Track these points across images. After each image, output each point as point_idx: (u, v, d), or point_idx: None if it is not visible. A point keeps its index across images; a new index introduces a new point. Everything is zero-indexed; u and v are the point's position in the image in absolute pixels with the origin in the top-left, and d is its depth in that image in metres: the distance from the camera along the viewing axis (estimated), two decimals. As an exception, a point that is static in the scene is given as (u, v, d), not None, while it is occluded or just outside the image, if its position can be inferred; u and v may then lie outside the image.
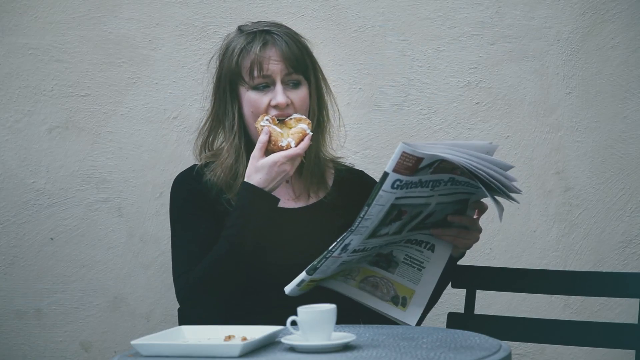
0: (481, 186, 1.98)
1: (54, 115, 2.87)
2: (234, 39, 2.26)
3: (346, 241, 1.99)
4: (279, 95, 2.19)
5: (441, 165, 1.95)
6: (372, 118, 2.88)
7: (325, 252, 2.00)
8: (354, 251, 2.03)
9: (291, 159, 2.10)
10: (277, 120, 2.17)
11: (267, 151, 2.14)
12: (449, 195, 2.04)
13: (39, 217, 2.87)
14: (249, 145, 2.24)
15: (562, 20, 2.86)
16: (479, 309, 2.81)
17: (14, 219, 2.87)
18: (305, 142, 2.12)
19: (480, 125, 2.87)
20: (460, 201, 2.10)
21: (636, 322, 2.24)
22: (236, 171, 2.24)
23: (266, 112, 2.20)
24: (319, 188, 2.31)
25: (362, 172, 2.42)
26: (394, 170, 1.90)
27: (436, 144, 1.93)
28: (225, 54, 2.26)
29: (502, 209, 2.00)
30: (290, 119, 2.16)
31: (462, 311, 2.44)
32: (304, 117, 2.17)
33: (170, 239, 2.30)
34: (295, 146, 2.12)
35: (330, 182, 2.34)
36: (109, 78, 2.87)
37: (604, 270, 2.83)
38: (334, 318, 1.83)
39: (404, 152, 1.88)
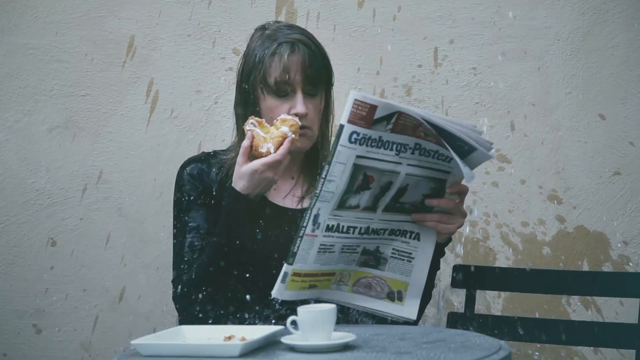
0: (449, 149, 1.95)
1: (54, 115, 2.87)
2: (259, 42, 2.27)
3: (314, 211, 1.95)
4: (299, 105, 2.22)
5: (401, 122, 1.94)
6: (372, 118, 2.88)
7: (298, 231, 1.97)
8: (328, 229, 2.01)
9: (271, 165, 2.07)
10: (265, 122, 2.15)
11: (251, 156, 2.12)
12: (420, 168, 2.01)
13: (39, 217, 2.87)
14: None
15: (562, 20, 2.86)
16: (479, 309, 2.81)
17: (14, 219, 2.87)
18: (285, 146, 2.08)
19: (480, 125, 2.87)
20: (436, 180, 2.07)
21: (636, 322, 2.24)
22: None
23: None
24: None
25: None
26: (349, 121, 1.89)
27: (392, 101, 1.94)
28: (249, 58, 2.27)
29: (472, 176, 1.97)
30: (276, 119, 2.12)
31: (462, 311, 2.44)
32: (289, 117, 2.13)
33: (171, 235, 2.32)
34: (275, 151, 2.08)
35: None
36: (109, 78, 2.87)
37: (604, 270, 2.83)
38: (334, 318, 1.83)
39: (355, 99, 1.88)
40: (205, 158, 2.32)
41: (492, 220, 2.87)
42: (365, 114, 1.90)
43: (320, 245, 2.01)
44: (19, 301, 2.87)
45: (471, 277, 2.43)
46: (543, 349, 2.84)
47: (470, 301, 2.42)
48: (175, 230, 2.27)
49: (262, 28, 2.29)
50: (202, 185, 2.26)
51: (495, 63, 2.87)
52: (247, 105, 2.27)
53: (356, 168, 1.95)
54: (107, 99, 2.88)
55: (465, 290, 2.45)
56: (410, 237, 2.12)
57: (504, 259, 2.86)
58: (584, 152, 2.86)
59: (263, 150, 2.08)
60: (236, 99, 2.31)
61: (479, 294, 2.82)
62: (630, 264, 2.85)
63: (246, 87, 2.26)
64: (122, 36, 2.87)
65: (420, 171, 2.03)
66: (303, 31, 2.29)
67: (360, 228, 2.05)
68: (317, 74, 2.24)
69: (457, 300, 2.85)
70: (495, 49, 2.87)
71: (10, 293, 2.87)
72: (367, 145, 1.94)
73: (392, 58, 2.88)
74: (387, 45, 2.87)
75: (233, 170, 2.26)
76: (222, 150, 2.34)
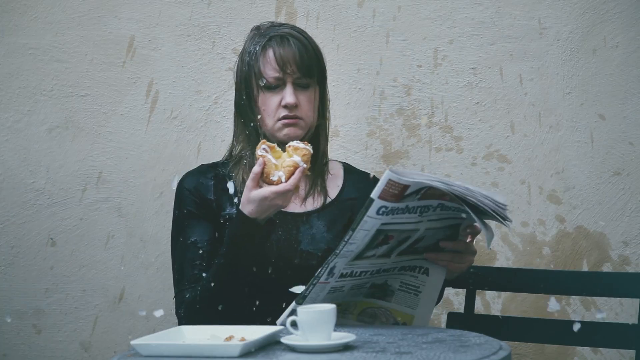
0: (470, 211, 1.97)
1: (53, 115, 2.87)
2: (251, 41, 2.31)
3: (331, 264, 1.98)
4: (288, 95, 2.24)
5: (429, 192, 1.95)
6: (372, 118, 2.88)
7: (312, 279, 1.99)
8: (342, 276, 2.03)
9: (281, 194, 2.06)
10: (277, 147, 2.12)
11: (261, 180, 2.11)
12: (439, 220, 2.03)
13: (39, 217, 2.87)
14: (264, 138, 2.29)
15: (562, 20, 2.86)
16: (479, 309, 2.81)
17: (14, 219, 2.87)
18: (296, 176, 2.06)
19: (480, 125, 2.87)
20: (451, 226, 2.09)
21: (636, 322, 2.24)
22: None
23: (277, 110, 2.25)
24: (328, 188, 2.34)
25: (370, 174, 2.45)
26: (380, 197, 1.90)
27: (424, 174, 1.93)
28: (243, 56, 2.31)
29: (492, 235, 2.00)
30: (289, 146, 2.10)
31: (462, 311, 2.44)
32: (302, 145, 2.10)
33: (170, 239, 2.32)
34: (286, 180, 2.07)
35: (340, 181, 2.36)
36: (109, 78, 2.87)
37: (604, 270, 2.83)
38: (334, 318, 1.83)
39: (390, 179, 1.88)
40: (203, 170, 2.33)
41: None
42: (397, 192, 1.91)
43: (331, 288, 2.03)
44: (18, 301, 2.87)
45: (471, 277, 2.43)
46: (543, 349, 2.84)
47: (470, 301, 2.43)
48: (174, 246, 2.29)
49: (257, 28, 2.33)
50: (200, 199, 2.28)
51: (495, 63, 2.87)
52: (244, 102, 2.29)
53: (378, 232, 1.97)
54: (107, 99, 2.88)
55: (465, 290, 2.45)
56: (419, 272, 2.13)
57: (504, 259, 2.86)
58: (584, 152, 2.86)
59: (274, 178, 2.07)
60: (235, 98, 2.34)
61: (479, 294, 2.82)
62: (630, 264, 2.85)
63: (242, 84, 2.29)
64: (122, 36, 2.87)
65: (439, 223, 2.04)
66: (294, 27, 2.32)
67: (373, 270, 2.07)
68: (307, 66, 2.26)
69: (457, 300, 2.85)
70: (495, 49, 2.87)
71: (10, 293, 2.87)
72: (393, 214, 1.95)
73: (392, 58, 2.88)
74: (387, 45, 2.87)
75: (233, 177, 2.29)
76: (221, 162, 2.35)
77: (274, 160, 2.08)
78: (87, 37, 2.87)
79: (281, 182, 2.06)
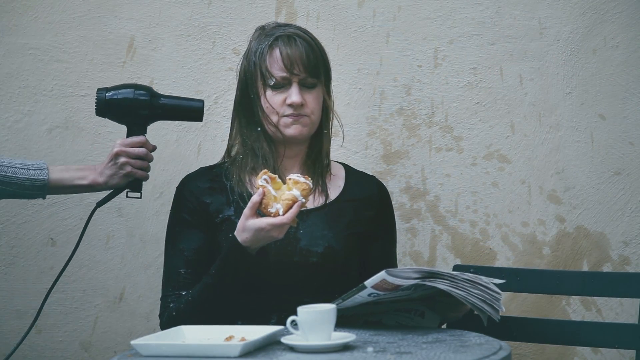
0: (464, 302, 1.99)
1: (54, 115, 2.87)
2: (257, 40, 2.32)
3: None
4: (294, 95, 2.26)
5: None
6: (372, 118, 2.88)
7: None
8: None
9: (278, 226, 2.07)
10: (279, 178, 2.12)
11: (259, 211, 2.11)
12: (432, 287, 2.03)
13: (39, 217, 2.87)
14: (266, 137, 2.31)
15: (562, 20, 2.86)
16: (479, 309, 2.80)
17: (14, 219, 2.87)
18: (294, 210, 2.06)
19: (480, 125, 2.87)
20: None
21: (636, 322, 2.24)
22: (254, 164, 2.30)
23: (281, 107, 2.26)
24: (329, 188, 2.34)
25: (373, 177, 2.46)
26: (373, 287, 1.93)
27: (422, 270, 1.94)
28: (248, 55, 2.32)
29: (486, 315, 1.99)
30: (289, 178, 2.10)
31: (462, 311, 2.44)
32: (302, 180, 2.09)
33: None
34: (284, 213, 2.07)
35: (341, 182, 2.37)
36: (109, 78, 2.87)
37: (604, 270, 2.83)
38: (334, 318, 1.83)
39: (384, 279, 1.91)
40: (201, 173, 2.35)
41: (492, 221, 2.87)
42: (390, 288, 1.94)
43: None
44: (19, 301, 2.87)
45: (471, 277, 2.43)
46: (543, 349, 2.84)
47: (470, 301, 2.42)
48: (165, 248, 2.32)
49: (262, 28, 2.34)
50: (197, 203, 2.29)
51: (495, 63, 2.87)
52: (247, 101, 2.30)
53: (369, 302, 2.00)
54: (107, 99, 2.87)
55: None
56: (414, 314, 2.14)
57: (504, 259, 2.86)
58: (584, 152, 2.86)
59: (272, 210, 2.07)
60: (236, 97, 2.34)
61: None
62: (630, 264, 2.85)
63: (246, 83, 2.30)
64: (122, 36, 2.87)
65: (433, 289, 2.03)
66: (300, 27, 2.34)
67: (366, 313, 2.09)
68: (313, 66, 2.27)
69: (457, 300, 2.84)
70: (495, 49, 2.87)
71: (10, 293, 2.87)
72: (385, 296, 1.98)
73: (392, 58, 2.88)
74: (387, 45, 2.87)
75: (230, 177, 2.29)
76: (219, 163, 2.37)
77: (273, 192, 2.08)
78: (87, 37, 2.87)
79: (279, 215, 2.07)
